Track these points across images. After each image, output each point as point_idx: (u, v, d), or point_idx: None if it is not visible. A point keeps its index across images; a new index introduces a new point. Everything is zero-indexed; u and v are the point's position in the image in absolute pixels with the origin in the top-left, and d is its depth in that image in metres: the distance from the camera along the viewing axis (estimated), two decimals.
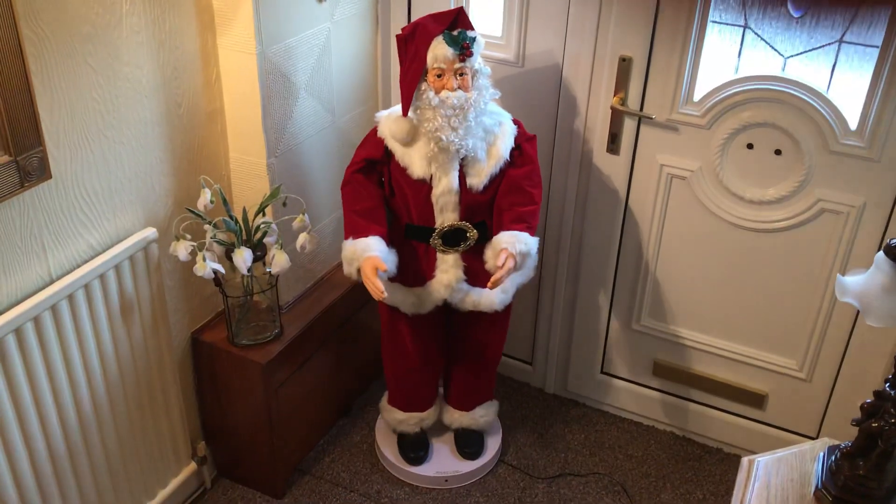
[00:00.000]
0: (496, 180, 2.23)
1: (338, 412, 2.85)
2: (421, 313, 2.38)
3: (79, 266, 1.98)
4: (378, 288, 2.11)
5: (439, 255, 2.29)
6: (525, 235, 2.17)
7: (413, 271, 2.33)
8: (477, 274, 2.30)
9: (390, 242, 2.26)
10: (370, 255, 2.15)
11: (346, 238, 2.23)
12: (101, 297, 2.01)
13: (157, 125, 2.10)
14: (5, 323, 1.79)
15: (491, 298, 2.33)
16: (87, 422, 2.06)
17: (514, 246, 2.14)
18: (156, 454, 2.34)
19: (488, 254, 2.20)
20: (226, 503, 2.56)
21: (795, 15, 2.17)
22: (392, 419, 2.65)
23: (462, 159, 2.19)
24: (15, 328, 1.81)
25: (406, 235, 2.32)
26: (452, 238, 2.27)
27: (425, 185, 2.21)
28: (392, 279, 2.30)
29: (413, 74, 2.12)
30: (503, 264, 2.12)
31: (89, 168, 1.95)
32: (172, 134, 2.15)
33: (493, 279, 2.12)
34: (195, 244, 2.15)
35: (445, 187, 2.19)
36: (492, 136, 2.21)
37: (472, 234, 2.26)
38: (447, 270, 2.29)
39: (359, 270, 2.18)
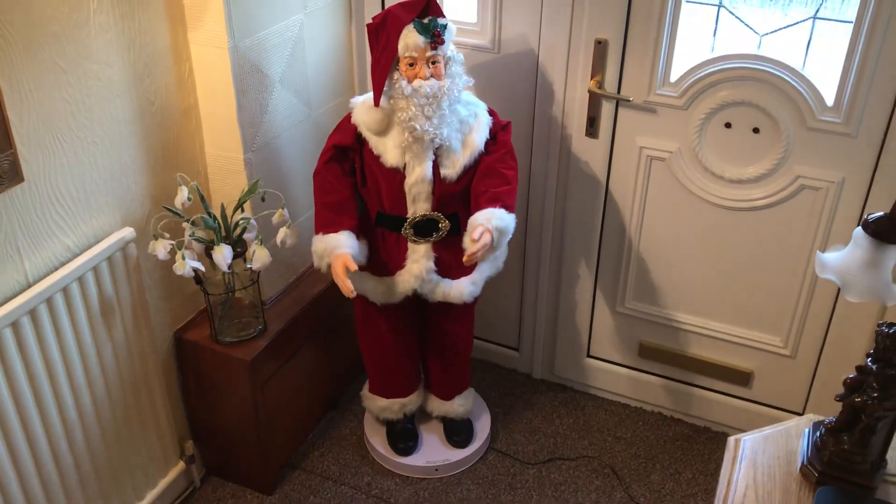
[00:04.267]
0: (470, 171, 2.22)
1: (325, 406, 2.84)
2: (390, 303, 2.37)
3: (56, 269, 1.96)
4: (348, 287, 2.12)
5: (410, 245, 2.28)
6: (501, 212, 2.15)
7: (383, 261, 2.32)
8: (447, 265, 2.30)
9: (360, 232, 2.24)
10: (340, 252, 2.15)
11: (317, 232, 2.22)
12: (80, 300, 1.99)
13: (131, 123, 2.08)
14: None
15: (460, 290, 2.32)
16: (71, 425, 2.04)
17: (490, 222, 2.12)
18: (143, 455, 2.32)
19: (466, 240, 2.18)
20: (216, 501, 2.55)
21: None
22: (374, 407, 2.65)
23: (437, 149, 2.18)
24: None
25: (377, 224, 2.31)
26: (424, 228, 2.25)
27: (398, 174, 2.20)
28: (362, 268, 2.29)
29: (384, 64, 2.10)
30: (479, 238, 2.09)
31: (63, 169, 1.92)
32: (146, 132, 2.13)
33: (468, 253, 2.09)
34: (174, 243, 2.13)
35: (419, 177, 2.18)
36: (467, 126, 2.20)
37: (445, 224, 2.25)
38: (418, 260, 2.28)
39: (329, 266, 2.17)
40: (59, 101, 1.87)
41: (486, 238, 2.10)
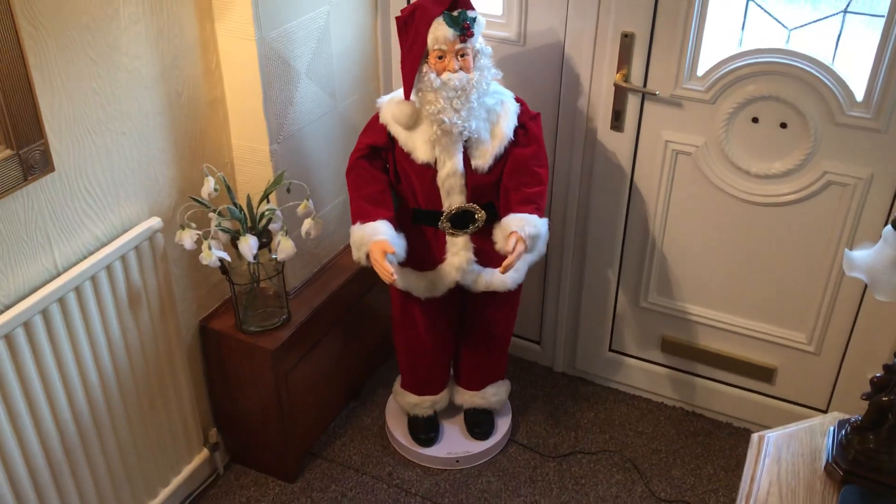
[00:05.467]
0: (501, 160, 2.22)
1: (347, 395, 2.86)
2: (434, 296, 2.38)
3: (85, 258, 1.98)
4: (387, 270, 2.12)
5: (449, 238, 2.29)
6: (534, 218, 2.17)
7: (424, 256, 2.33)
8: (487, 254, 2.30)
9: (399, 227, 2.25)
10: (378, 238, 2.15)
11: (354, 223, 2.23)
12: (108, 288, 2.01)
13: (159, 115, 2.09)
14: (14, 316, 1.79)
15: (503, 278, 2.33)
16: (98, 412, 2.07)
17: (523, 229, 2.14)
18: (168, 442, 2.35)
19: (497, 234, 2.20)
20: (238, 489, 2.58)
21: None
22: (406, 403, 2.66)
23: (466, 141, 2.18)
24: (24, 321, 1.82)
25: (414, 220, 2.32)
26: (461, 220, 2.26)
27: (430, 169, 2.20)
28: (403, 264, 2.30)
29: (414, 57, 2.10)
30: (514, 249, 2.12)
31: (92, 160, 1.95)
32: (174, 123, 2.15)
33: (504, 264, 2.12)
34: (200, 233, 2.15)
35: (450, 170, 2.18)
36: (494, 115, 2.19)
37: (481, 215, 2.25)
38: (458, 253, 2.29)
39: (368, 255, 2.18)
40: (89, 92, 1.89)
41: (521, 248, 2.13)
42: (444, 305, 2.44)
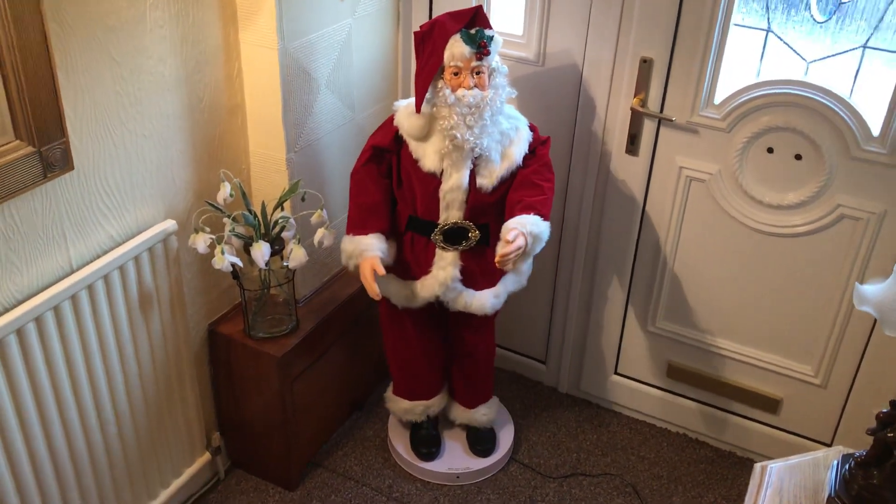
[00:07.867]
0: (506, 183, 2.24)
1: (351, 406, 2.87)
2: (411, 307, 2.39)
3: (99, 257, 2.00)
4: (374, 291, 2.16)
5: (438, 252, 2.30)
6: (536, 218, 2.15)
7: (410, 264, 2.34)
8: (473, 275, 2.31)
9: (391, 234, 2.26)
10: (369, 255, 2.18)
11: (348, 232, 2.25)
12: (120, 288, 2.03)
13: (179, 118, 2.12)
14: (26, 312, 1.81)
15: (482, 302, 2.33)
16: (103, 410, 2.08)
17: (524, 227, 2.12)
18: (171, 444, 2.36)
19: (500, 244, 2.17)
20: (239, 494, 2.58)
21: (821, 19, 2.16)
22: (397, 408, 2.66)
23: (475, 158, 2.19)
24: (35, 317, 1.83)
25: (408, 227, 2.33)
26: (454, 236, 2.27)
27: (435, 180, 2.22)
28: (388, 269, 2.30)
29: (429, 72, 2.12)
30: (514, 240, 2.08)
31: (111, 160, 1.97)
32: (194, 127, 2.17)
33: (500, 253, 2.09)
34: (214, 237, 2.17)
35: (455, 184, 2.20)
36: (507, 139, 2.21)
37: (474, 234, 2.26)
38: (444, 268, 2.30)
39: (356, 267, 2.21)
40: (111, 93, 1.91)
41: (521, 241, 2.10)
42: (429, 314, 2.45)
